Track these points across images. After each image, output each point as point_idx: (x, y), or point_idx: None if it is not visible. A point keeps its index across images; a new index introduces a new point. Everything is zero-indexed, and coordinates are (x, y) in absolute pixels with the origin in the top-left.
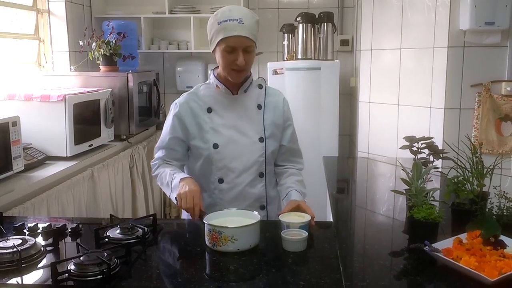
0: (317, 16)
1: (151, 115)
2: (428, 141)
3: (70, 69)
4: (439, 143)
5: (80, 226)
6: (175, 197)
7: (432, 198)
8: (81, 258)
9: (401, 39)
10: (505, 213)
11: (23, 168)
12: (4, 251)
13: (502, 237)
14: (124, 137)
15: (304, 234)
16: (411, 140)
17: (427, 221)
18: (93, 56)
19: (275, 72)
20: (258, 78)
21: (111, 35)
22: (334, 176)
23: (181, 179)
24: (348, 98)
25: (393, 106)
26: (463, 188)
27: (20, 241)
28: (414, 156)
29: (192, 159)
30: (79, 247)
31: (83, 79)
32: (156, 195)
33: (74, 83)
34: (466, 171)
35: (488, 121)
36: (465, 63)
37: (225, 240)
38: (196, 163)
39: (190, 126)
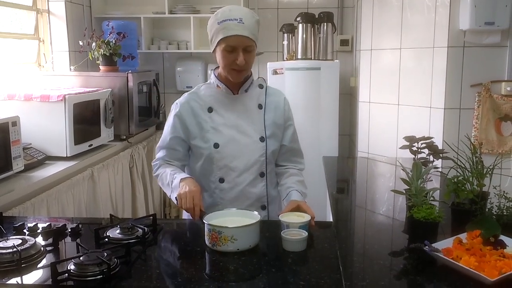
0: (317, 16)
1: (151, 115)
2: (428, 141)
3: (70, 69)
4: (439, 143)
5: (80, 226)
6: (175, 197)
7: (432, 198)
8: (81, 258)
9: (401, 39)
10: (505, 213)
11: (23, 168)
12: (4, 251)
13: (502, 237)
14: (124, 137)
15: (304, 234)
16: (411, 140)
17: (427, 221)
18: (93, 56)
19: (275, 72)
20: (258, 78)
21: (111, 35)
22: (334, 176)
23: (181, 179)
24: (348, 98)
25: (393, 106)
26: (463, 188)
27: (20, 241)
28: (414, 156)
29: (193, 158)
30: (79, 247)
31: (83, 79)
32: (156, 195)
33: (74, 83)
34: (466, 171)
35: (488, 121)
36: (465, 63)
37: (225, 240)
38: (197, 163)
39: (191, 126)
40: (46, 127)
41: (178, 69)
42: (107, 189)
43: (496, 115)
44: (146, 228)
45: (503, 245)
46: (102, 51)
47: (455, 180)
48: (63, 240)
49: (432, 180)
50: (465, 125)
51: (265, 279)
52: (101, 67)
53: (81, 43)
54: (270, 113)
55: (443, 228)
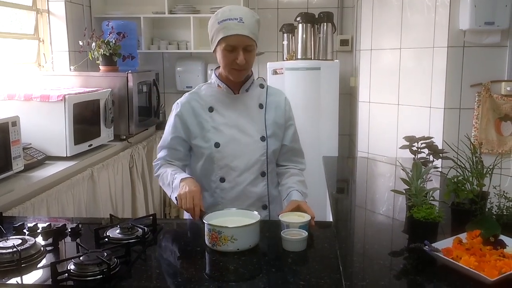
0: (316, 16)
1: (150, 115)
2: (428, 141)
3: (70, 69)
4: (439, 143)
5: (80, 226)
6: (175, 198)
7: (432, 198)
8: (81, 258)
9: (401, 39)
10: (504, 213)
11: (22, 168)
12: (4, 251)
13: (502, 237)
14: (124, 137)
15: (304, 234)
16: (411, 140)
17: (427, 221)
18: (93, 56)
19: (275, 72)
20: (258, 78)
21: (110, 35)
22: (334, 176)
23: (181, 179)
24: (348, 98)
25: (393, 106)
26: (463, 188)
27: (20, 241)
28: (414, 156)
29: (194, 158)
30: (79, 247)
31: (82, 79)
32: (156, 195)
33: (74, 83)
34: (466, 171)
35: (487, 121)
36: (465, 63)
37: (225, 240)
38: (198, 163)
39: (191, 126)
40: (46, 127)
41: (178, 69)
42: (107, 189)
43: (496, 115)
44: (146, 228)
45: (503, 245)
46: (102, 51)
47: (455, 180)
48: (63, 240)
49: (432, 180)
50: (465, 125)
51: (265, 279)
52: (101, 67)
53: (81, 43)
54: (271, 112)
55: (443, 228)
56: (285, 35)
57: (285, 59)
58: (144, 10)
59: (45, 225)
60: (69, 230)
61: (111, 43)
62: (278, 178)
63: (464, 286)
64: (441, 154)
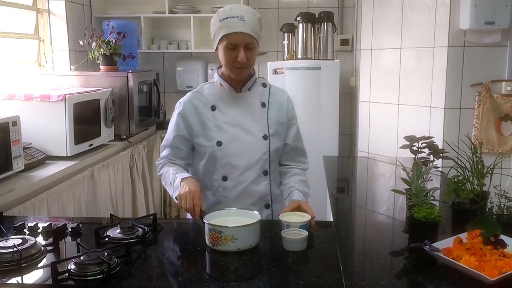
0: (317, 16)
1: (151, 114)
2: (428, 140)
3: (70, 68)
4: (439, 142)
5: (80, 225)
6: (176, 197)
7: (432, 198)
8: (81, 257)
9: (401, 39)
10: (505, 213)
11: (23, 167)
12: (4, 250)
13: (502, 237)
14: (124, 136)
15: (304, 233)
16: (411, 139)
17: (427, 221)
18: (93, 56)
19: (275, 72)
20: (258, 77)
21: (111, 34)
22: (334, 176)
23: (182, 179)
24: (348, 97)
25: (393, 105)
26: (463, 187)
27: (20, 240)
28: (414, 156)
29: (197, 157)
30: (79, 246)
31: (83, 79)
32: (156, 195)
33: (74, 83)
34: (466, 171)
35: (488, 121)
36: (465, 62)
37: (225, 240)
38: (200, 161)
39: (194, 124)
40: (46, 127)
41: (178, 68)
42: (107, 188)
43: (496, 114)
44: (146, 228)
45: (503, 245)
46: (102, 50)
47: (456, 179)
48: (63, 240)
49: (432, 180)
50: (465, 125)
51: (265, 278)
52: (101, 67)
53: (81, 42)
54: (273, 111)
55: (443, 228)
56: (286, 34)
57: (285, 58)
58: (145, 9)
59: (45, 224)
60: (70, 229)
61: (111, 43)
62: (280, 178)
63: (465, 286)
64: (441, 154)
